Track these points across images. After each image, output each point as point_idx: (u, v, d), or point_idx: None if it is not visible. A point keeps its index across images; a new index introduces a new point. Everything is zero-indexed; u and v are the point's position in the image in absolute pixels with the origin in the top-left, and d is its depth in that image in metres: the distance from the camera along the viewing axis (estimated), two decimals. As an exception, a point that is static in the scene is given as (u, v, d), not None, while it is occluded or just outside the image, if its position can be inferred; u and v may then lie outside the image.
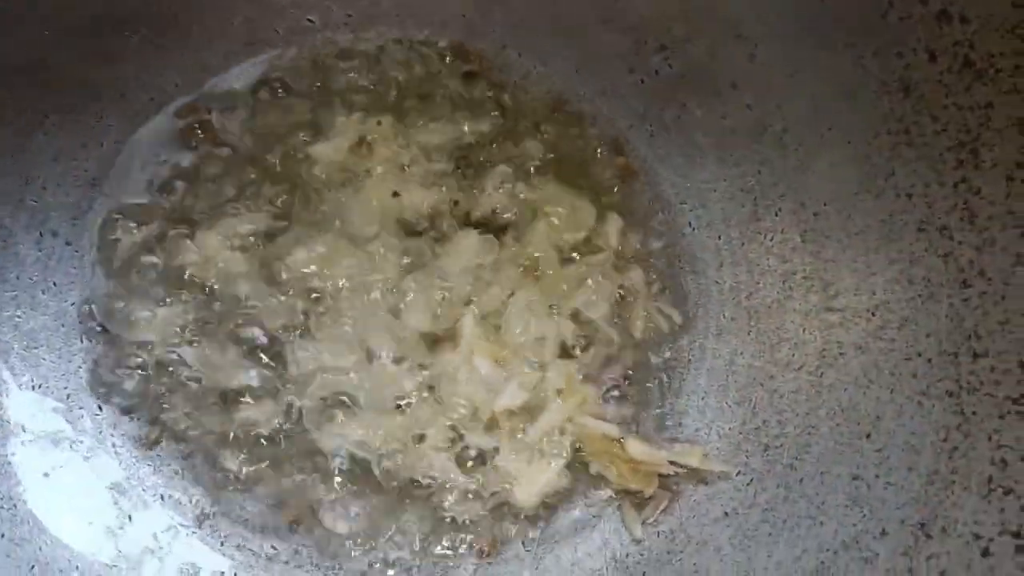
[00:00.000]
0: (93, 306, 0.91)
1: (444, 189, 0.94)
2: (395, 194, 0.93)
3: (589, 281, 0.92)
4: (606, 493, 0.88)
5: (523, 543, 0.87)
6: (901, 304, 0.81)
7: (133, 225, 0.93)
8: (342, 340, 0.89)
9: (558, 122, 0.99)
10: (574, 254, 0.94)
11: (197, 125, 0.96)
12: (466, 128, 0.97)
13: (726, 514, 0.83)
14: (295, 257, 0.90)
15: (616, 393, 0.92)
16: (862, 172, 0.85)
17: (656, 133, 0.97)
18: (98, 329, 0.90)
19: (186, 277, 0.91)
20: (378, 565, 0.87)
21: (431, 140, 0.95)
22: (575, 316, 0.92)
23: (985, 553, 0.67)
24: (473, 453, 0.88)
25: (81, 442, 0.88)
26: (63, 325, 0.90)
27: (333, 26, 0.99)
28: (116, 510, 0.86)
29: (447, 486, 0.87)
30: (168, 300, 0.90)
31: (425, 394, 0.88)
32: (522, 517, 0.87)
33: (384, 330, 0.90)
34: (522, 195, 0.94)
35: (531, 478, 0.86)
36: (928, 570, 0.69)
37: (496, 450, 0.87)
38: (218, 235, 0.91)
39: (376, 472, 0.87)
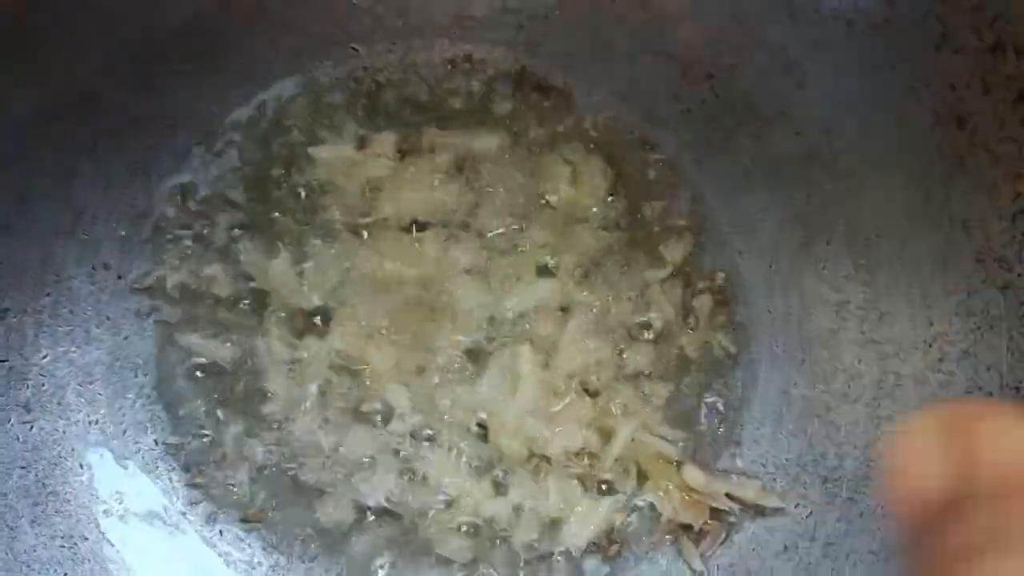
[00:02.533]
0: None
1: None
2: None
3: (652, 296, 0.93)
4: (661, 527, 0.88)
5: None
6: (959, 336, 0.80)
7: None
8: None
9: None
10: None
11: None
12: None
13: (786, 548, 0.83)
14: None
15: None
16: (915, 201, 0.84)
17: (703, 160, 0.97)
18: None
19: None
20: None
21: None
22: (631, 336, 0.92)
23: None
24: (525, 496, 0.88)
25: (141, 473, 0.88)
26: (117, 360, 0.91)
27: (376, 53, 0.99)
28: (177, 543, 0.86)
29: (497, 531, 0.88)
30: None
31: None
32: (574, 557, 0.87)
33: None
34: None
35: (581, 515, 0.86)
36: (998, 609, 0.69)
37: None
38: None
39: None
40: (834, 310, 0.90)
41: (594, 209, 0.96)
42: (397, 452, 0.89)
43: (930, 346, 0.83)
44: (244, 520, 0.88)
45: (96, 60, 0.87)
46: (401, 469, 0.89)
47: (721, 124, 0.96)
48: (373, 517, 0.89)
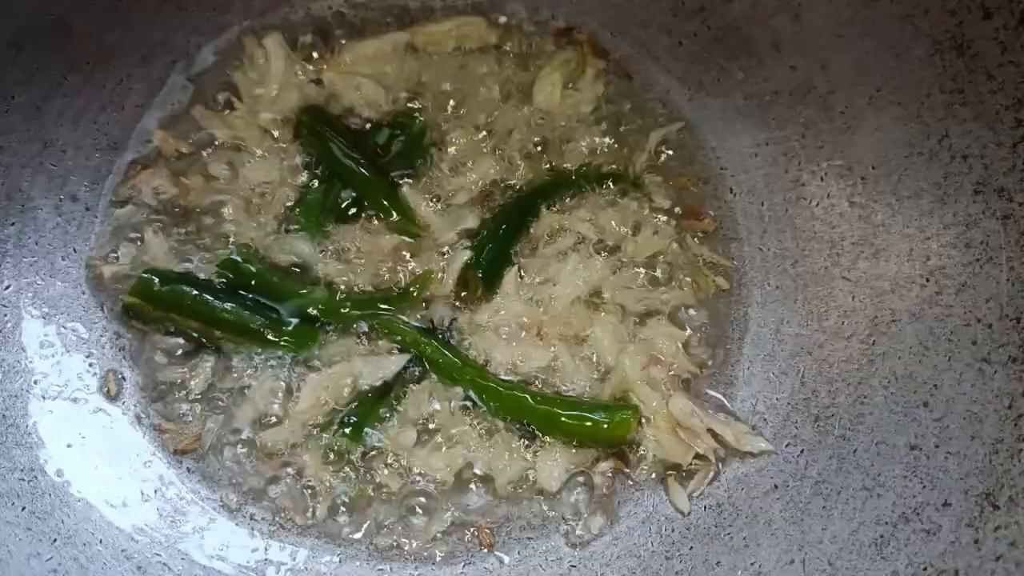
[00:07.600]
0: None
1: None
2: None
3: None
4: (647, 465, 0.84)
5: (563, 522, 0.83)
6: (958, 269, 0.78)
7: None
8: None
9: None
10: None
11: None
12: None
13: (776, 487, 0.80)
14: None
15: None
16: (913, 133, 0.82)
17: (695, 96, 0.95)
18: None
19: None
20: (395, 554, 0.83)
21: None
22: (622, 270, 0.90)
23: (1058, 523, 0.64)
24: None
25: (104, 411, 0.84)
26: (84, 292, 0.87)
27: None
28: (139, 481, 0.82)
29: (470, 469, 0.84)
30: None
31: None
32: (553, 495, 0.83)
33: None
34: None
35: (549, 459, 0.82)
36: (996, 540, 0.66)
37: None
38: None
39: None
40: (828, 247, 0.87)
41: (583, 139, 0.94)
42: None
43: (927, 280, 0.80)
44: (176, 451, 0.83)
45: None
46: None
47: (714, 58, 0.94)
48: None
